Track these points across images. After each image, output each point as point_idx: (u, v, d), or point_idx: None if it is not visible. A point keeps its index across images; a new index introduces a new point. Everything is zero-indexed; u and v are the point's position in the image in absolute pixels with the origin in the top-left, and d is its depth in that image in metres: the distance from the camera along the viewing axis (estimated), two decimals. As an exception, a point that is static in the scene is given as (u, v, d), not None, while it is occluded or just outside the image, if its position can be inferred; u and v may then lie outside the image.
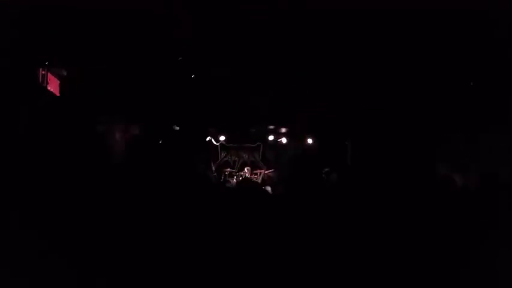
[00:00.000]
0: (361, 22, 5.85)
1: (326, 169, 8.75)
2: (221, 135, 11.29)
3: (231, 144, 11.55)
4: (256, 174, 10.73)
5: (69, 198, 4.75)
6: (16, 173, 4.26)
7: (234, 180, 10.22)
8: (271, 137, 11.31)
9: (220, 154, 11.51)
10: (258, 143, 11.54)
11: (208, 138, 11.17)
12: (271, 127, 11.24)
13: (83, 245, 3.51)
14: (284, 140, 11.30)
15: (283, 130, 11.33)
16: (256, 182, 9.41)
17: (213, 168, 10.81)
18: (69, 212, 4.38)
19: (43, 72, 5.36)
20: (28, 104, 4.89)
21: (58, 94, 5.67)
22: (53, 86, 5.60)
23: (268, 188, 9.26)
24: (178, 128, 8.63)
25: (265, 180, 10.25)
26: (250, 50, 6.95)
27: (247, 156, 11.54)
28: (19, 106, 4.70)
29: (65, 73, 5.71)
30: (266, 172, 10.72)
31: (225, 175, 10.63)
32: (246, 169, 10.74)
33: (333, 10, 5.60)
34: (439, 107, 7.29)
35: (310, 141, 11.12)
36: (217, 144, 11.42)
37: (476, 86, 6.33)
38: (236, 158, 11.54)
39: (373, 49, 6.57)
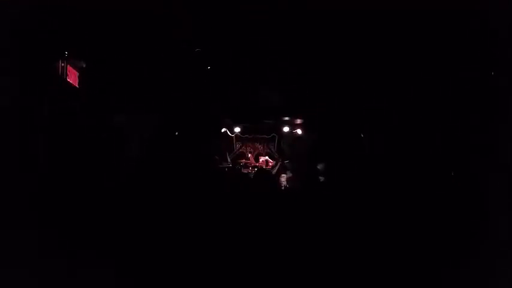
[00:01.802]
0: (373, 12, 5.84)
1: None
2: (236, 126, 11.35)
3: (246, 136, 11.60)
4: (271, 165, 10.77)
5: (86, 192, 4.87)
6: (30, 166, 4.36)
7: (250, 171, 10.29)
8: (286, 129, 11.32)
9: (236, 145, 11.58)
10: (273, 134, 11.57)
11: (223, 130, 11.25)
12: (286, 118, 11.25)
13: (99, 239, 3.60)
14: (299, 132, 11.29)
15: (298, 121, 11.33)
16: (271, 172, 9.47)
17: (229, 159, 10.88)
18: (87, 206, 4.49)
19: (62, 64, 5.47)
20: (47, 96, 4.99)
21: (77, 85, 5.78)
22: (72, 77, 5.72)
23: (283, 179, 9.34)
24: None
25: (281, 171, 10.28)
26: (266, 42, 6.98)
27: (262, 148, 11.59)
28: (38, 98, 4.79)
29: (83, 65, 5.82)
30: (281, 163, 10.73)
31: (240, 166, 10.70)
32: (261, 160, 10.78)
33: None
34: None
35: (324, 132, 11.09)
36: (232, 135, 11.49)
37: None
38: (251, 149, 11.60)
39: (387, 42, 6.55)
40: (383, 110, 8.33)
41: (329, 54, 7.29)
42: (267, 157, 10.87)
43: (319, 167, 8.74)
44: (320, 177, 8.16)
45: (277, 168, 10.14)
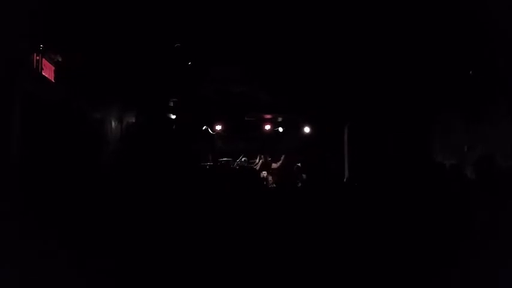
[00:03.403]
0: (358, 10, 5.84)
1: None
2: (217, 124, 11.23)
3: (227, 134, 11.49)
4: (252, 163, 10.67)
5: (66, 190, 4.68)
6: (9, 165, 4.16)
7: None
8: (268, 126, 11.29)
9: (217, 143, 11.45)
10: (255, 132, 11.50)
11: (204, 128, 11.11)
12: (268, 116, 11.22)
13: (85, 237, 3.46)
14: (281, 129, 11.29)
15: (280, 119, 11.32)
16: (254, 169, 9.43)
17: (210, 157, 10.74)
18: (68, 203, 4.32)
19: (37, 57, 5.23)
20: (22, 91, 4.78)
21: (53, 80, 5.55)
22: (48, 72, 5.48)
23: (264, 175, 9.31)
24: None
25: (262, 169, 10.21)
26: (247, 39, 6.91)
27: (244, 145, 11.49)
28: (13, 93, 4.58)
29: (60, 59, 5.60)
30: (263, 160, 10.66)
31: (222, 164, 10.56)
32: (243, 158, 10.68)
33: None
34: (437, 96, 7.29)
35: (307, 130, 11.13)
36: (214, 133, 11.36)
37: (474, 75, 6.32)
38: (233, 147, 11.48)
39: (371, 37, 6.57)
40: (369, 107, 8.38)
41: (314, 52, 7.26)
42: (245, 158, 10.75)
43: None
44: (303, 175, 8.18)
45: (259, 164, 10.06)
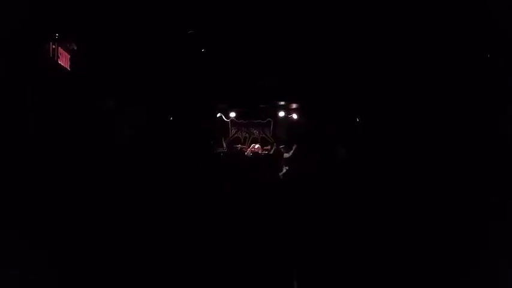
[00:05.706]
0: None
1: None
2: (231, 111, 11.27)
3: (241, 121, 11.53)
4: (266, 150, 10.70)
5: (79, 178, 4.77)
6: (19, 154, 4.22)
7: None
8: (281, 113, 11.27)
9: (231, 130, 11.51)
10: (268, 119, 11.50)
11: (218, 115, 11.16)
12: (282, 103, 11.19)
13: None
14: (295, 116, 11.24)
15: (294, 106, 11.27)
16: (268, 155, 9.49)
17: (224, 144, 10.81)
18: (81, 192, 4.40)
19: (53, 46, 5.32)
20: (36, 80, 4.85)
21: (69, 68, 5.64)
22: (64, 60, 5.57)
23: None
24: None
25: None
26: (261, 26, 6.89)
27: (257, 132, 11.53)
28: (26, 82, 4.64)
29: (75, 47, 5.67)
30: (276, 148, 10.67)
31: (236, 151, 10.61)
32: (256, 145, 10.72)
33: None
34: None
35: (320, 117, 11.05)
36: (228, 120, 11.41)
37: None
38: (246, 134, 11.53)
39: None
40: (378, 98, 8.31)
41: (326, 39, 7.22)
42: (258, 145, 10.78)
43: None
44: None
45: (272, 152, 10.08)
